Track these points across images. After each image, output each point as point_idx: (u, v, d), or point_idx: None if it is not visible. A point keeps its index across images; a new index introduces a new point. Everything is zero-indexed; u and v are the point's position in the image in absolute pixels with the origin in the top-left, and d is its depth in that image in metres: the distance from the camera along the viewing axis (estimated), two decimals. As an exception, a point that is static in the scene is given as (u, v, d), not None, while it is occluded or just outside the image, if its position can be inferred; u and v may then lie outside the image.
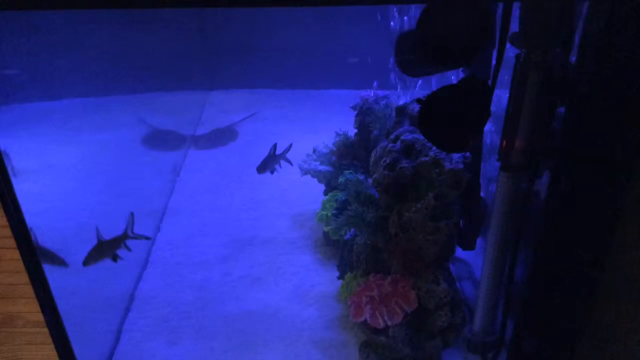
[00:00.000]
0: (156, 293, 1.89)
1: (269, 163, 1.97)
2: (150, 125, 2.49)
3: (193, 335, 1.70)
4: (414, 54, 1.16)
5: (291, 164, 2.04)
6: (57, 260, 1.51)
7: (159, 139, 2.57)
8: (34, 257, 1.25)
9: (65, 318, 1.32)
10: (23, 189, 1.15)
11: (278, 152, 1.99)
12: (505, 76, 1.15)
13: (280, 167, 2.02)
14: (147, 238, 1.69)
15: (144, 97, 2.34)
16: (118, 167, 2.11)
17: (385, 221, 1.59)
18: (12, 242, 1.22)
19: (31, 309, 1.85)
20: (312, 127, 2.92)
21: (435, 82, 1.90)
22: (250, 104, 3.32)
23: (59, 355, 1.38)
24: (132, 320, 1.77)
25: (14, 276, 2.02)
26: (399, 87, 2.30)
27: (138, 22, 2.13)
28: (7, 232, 1.19)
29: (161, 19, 2.39)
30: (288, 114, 3.23)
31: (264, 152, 1.99)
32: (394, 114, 1.77)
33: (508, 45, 1.06)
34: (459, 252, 1.67)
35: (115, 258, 1.53)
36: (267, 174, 2.00)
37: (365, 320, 1.54)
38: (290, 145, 2.02)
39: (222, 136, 2.98)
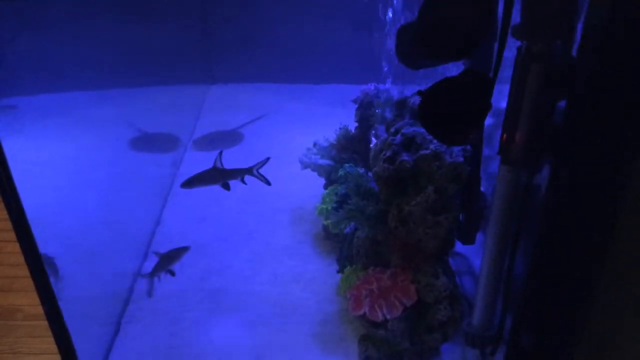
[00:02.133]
0: (156, 285, 1.89)
1: (210, 176, 1.54)
2: (142, 130, 2.44)
3: (192, 327, 1.71)
4: (415, 46, 1.16)
5: (268, 184, 1.61)
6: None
7: (156, 138, 2.55)
8: (34, 250, 1.25)
9: (65, 309, 1.32)
10: (22, 181, 1.14)
11: (246, 163, 1.56)
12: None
13: (245, 183, 1.58)
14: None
15: (143, 91, 2.34)
16: (115, 163, 2.11)
17: (385, 215, 1.59)
18: (12, 235, 1.21)
19: (31, 302, 1.87)
20: (313, 121, 2.92)
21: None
22: (251, 99, 3.31)
23: (59, 347, 1.38)
24: (132, 311, 1.78)
25: (14, 269, 2.03)
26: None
27: (138, 13, 2.12)
28: (7, 225, 1.19)
29: (162, 9, 2.38)
30: (289, 109, 3.22)
31: (265, 152, 1.77)
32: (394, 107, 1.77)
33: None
34: (459, 246, 1.67)
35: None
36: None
37: (365, 314, 1.54)
38: (267, 159, 1.61)
39: (226, 137, 2.93)
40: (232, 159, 1.62)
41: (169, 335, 1.68)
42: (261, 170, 1.66)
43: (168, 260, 1.64)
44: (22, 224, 1.18)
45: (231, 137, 2.91)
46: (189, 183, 1.56)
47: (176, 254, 1.65)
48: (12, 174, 1.11)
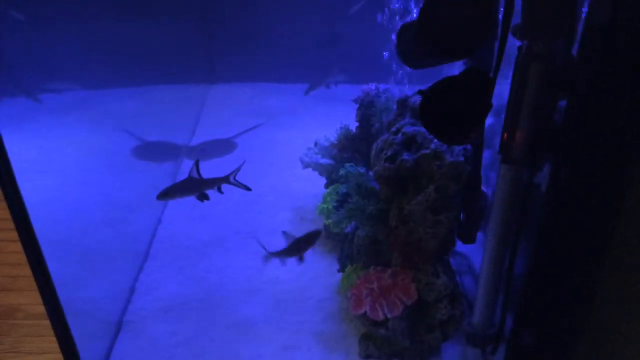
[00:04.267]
0: (157, 285, 1.89)
1: (186, 187, 1.51)
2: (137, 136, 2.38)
3: (193, 326, 1.71)
4: (416, 45, 1.16)
5: (248, 189, 1.55)
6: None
7: (154, 146, 2.50)
8: (35, 249, 1.25)
9: (67, 309, 1.33)
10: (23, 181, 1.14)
11: (249, 167, 1.54)
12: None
13: (221, 192, 1.55)
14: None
15: (143, 90, 2.33)
16: (117, 162, 2.10)
17: (385, 214, 1.59)
18: (13, 235, 1.21)
19: (32, 301, 1.87)
20: (314, 120, 2.92)
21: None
22: (252, 99, 3.31)
23: (61, 347, 1.38)
24: (133, 311, 1.78)
25: (16, 269, 2.04)
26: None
27: (138, 13, 2.11)
28: (10, 224, 1.19)
29: (162, 9, 2.38)
30: (290, 108, 3.23)
31: (265, 151, 1.80)
32: (395, 106, 1.77)
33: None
34: (460, 246, 1.67)
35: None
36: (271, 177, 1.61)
37: (365, 313, 1.55)
38: (243, 163, 1.56)
39: (225, 143, 2.85)
40: (233, 162, 1.60)
41: (170, 334, 1.68)
42: (247, 173, 1.61)
43: (301, 244, 1.54)
44: (24, 222, 1.18)
45: (229, 143, 2.87)
46: (165, 195, 1.51)
47: (309, 238, 1.53)
48: (14, 173, 1.11)
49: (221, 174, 1.54)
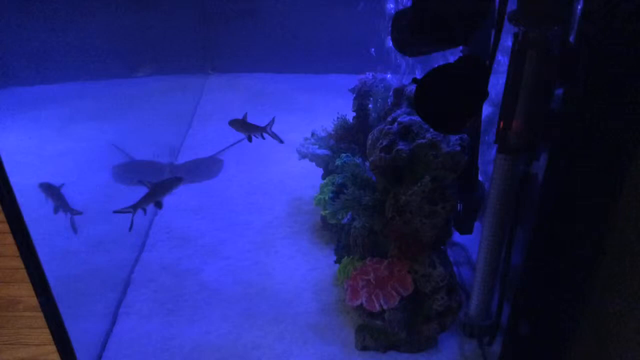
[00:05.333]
0: (153, 277, 1.89)
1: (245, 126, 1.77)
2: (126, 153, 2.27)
3: (190, 318, 1.71)
4: (411, 31, 1.14)
5: (281, 141, 1.79)
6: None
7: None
8: (27, 241, 1.25)
9: (61, 300, 1.33)
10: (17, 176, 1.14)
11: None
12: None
13: (263, 138, 1.80)
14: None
15: (138, 82, 2.31)
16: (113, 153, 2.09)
17: (382, 204, 1.58)
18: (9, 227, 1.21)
19: (31, 293, 1.87)
20: (313, 110, 2.90)
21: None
22: (251, 88, 3.29)
23: (54, 339, 1.39)
24: (130, 300, 1.78)
25: (15, 260, 2.03)
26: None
27: (133, 2, 2.09)
28: (2, 217, 1.19)
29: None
30: (289, 98, 3.21)
31: (263, 149, 1.92)
32: (391, 95, 1.74)
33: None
34: (457, 236, 1.66)
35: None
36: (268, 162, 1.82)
37: (362, 304, 1.54)
38: (274, 118, 1.78)
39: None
40: (232, 163, 1.62)
41: (166, 326, 1.68)
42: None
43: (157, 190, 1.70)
44: (15, 214, 1.18)
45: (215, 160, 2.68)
46: (232, 123, 1.80)
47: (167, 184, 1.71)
48: (4, 165, 1.10)
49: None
